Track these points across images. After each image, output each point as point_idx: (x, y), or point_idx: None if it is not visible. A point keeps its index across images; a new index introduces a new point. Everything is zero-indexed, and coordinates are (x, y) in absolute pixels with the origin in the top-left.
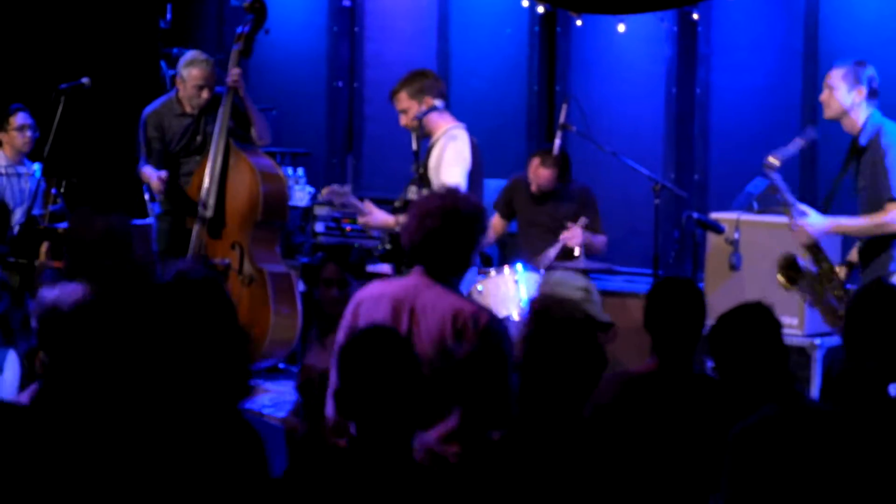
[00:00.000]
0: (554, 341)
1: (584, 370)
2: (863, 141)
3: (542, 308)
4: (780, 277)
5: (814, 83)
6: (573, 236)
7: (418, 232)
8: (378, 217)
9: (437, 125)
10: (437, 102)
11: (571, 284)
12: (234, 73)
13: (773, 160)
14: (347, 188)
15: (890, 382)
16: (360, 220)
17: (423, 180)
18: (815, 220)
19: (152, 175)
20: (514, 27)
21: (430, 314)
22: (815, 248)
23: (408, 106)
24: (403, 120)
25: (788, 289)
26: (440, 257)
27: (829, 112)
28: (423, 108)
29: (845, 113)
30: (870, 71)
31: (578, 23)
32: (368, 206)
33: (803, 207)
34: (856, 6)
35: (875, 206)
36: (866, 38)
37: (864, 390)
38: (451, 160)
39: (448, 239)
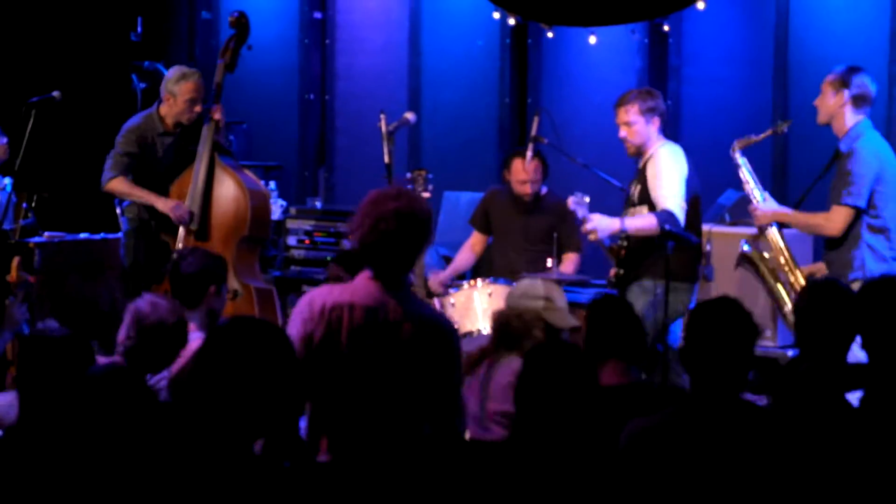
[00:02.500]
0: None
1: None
2: (843, 147)
3: (503, 321)
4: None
5: (784, 94)
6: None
7: (372, 233)
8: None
9: None
10: None
11: (532, 294)
12: (216, 113)
13: (738, 144)
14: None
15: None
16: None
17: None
18: (768, 205)
19: (168, 205)
20: (486, 39)
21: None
22: (772, 236)
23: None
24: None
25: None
26: (392, 260)
27: (819, 117)
28: None
29: (832, 118)
30: (860, 78)
31: (550, 35)
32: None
33: (763, 193)
34: (825, 18)
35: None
36: (836, 51)
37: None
38: None
39: (402, 241)
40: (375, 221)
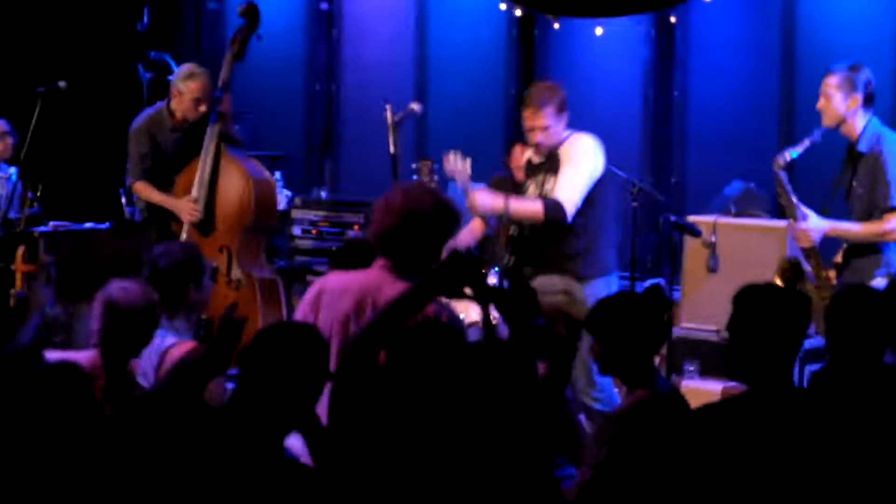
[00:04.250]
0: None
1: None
2: (862, 148)
3: None
4: (777, 280)
5: (790, 85)
6: None
7: (381, 226)
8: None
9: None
10: None
11: (551, 290)
12: (224, 104)
13: (780, 159)
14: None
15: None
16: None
17: None
18: (815, 223)
19: (183, 207)
20: (492, 30)
21: None
22: (814, 254)
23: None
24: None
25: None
26: (401, 254)
27: (827, 120)
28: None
29: (843, 121)
30: (865, 75)
31: (556, 26)
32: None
33: (805, 210)
34: (832, 8)
35: (870, 213)
36: (843, 40)
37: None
38: None
39: (410, 235)
40: (385, 214)
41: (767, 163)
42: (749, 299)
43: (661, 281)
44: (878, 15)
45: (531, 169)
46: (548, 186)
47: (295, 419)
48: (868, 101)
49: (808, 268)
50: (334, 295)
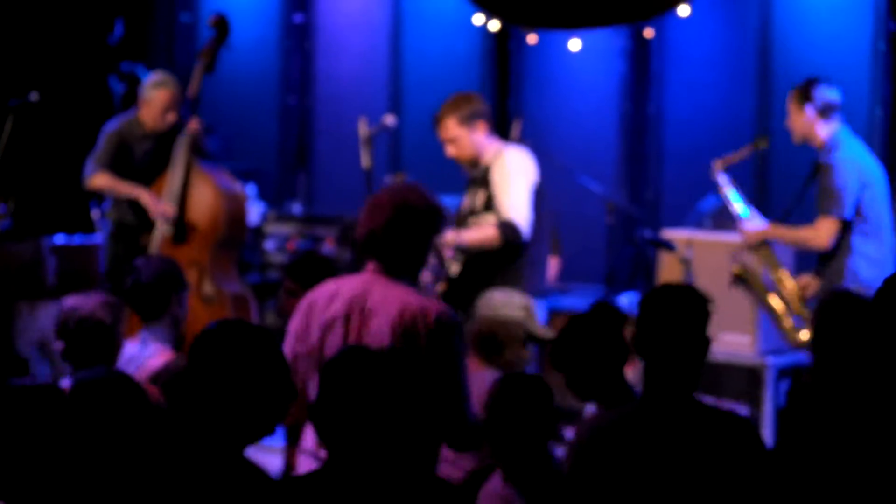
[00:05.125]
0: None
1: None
2: (822, 159)
3: (487, 331)
4: (734, 267)
5: (766, 101)
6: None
7: (372, 224)
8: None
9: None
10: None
11: (514, 304)
12: (192, 126)
13: (718, 163)
14: None
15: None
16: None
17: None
18: (755, 223)
19: (151, 199)
20: (467, 44)
21: (381, 312)
22: (764, 252)
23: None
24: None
25: (737, 280)
26: (391, 253)
27: (794, 137)
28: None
29: (805, 135)
30: (821, 88)
31: (532, 40)
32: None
33: (749, 211)
34: (808, 25)
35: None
36: (818, 57)
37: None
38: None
39: (402, 230)
40: (372, 213)
41: (743, 178)
42: (651, 301)
43: (635, 295)
44: (854, 31)
45: (468, 182)
46: (478, 200)
47: (252, 427)
48: (825, 112)
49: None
50: (324, 301)
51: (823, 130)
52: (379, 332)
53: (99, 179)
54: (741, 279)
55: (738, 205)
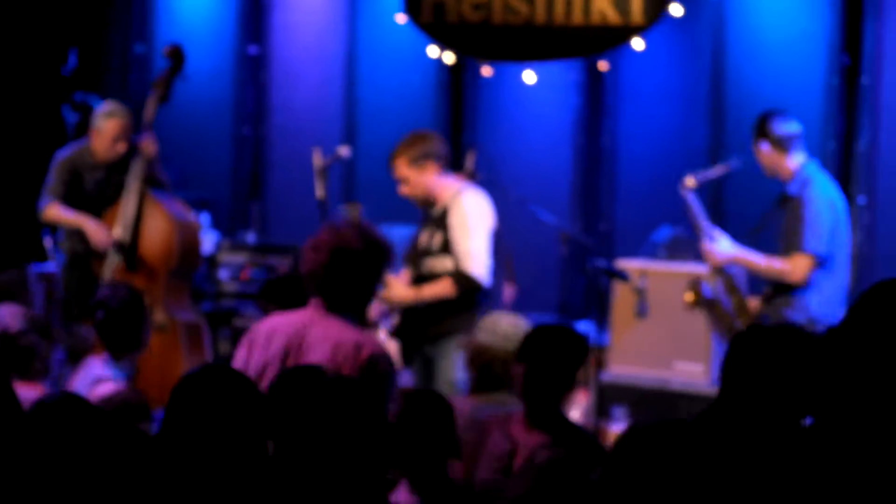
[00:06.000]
0: None
1: None
2: (792, 190)
3: (487, 363)
4: (686, 295)
5: (720, 134)
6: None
7: (312, 265)
8: None
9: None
10: None
11: (513, 337)
12: (147, 143)
13: (689, 181)
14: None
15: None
16: None
17: None
18: (724, 246)
19: (99, 231)
20: (422, 76)
21: (317, 348)
22: (724, 274)
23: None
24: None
25: (692, 307)
26: (331, 293)
27: (765, 172)
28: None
29: (773, 170)
30: (775, 122)
31: (487, 71)
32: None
33: (715, 232)
34: (762, 58)
35: (786, 253)
36: (772, 90)
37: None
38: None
39: (339, 272)
40: (313, 252)
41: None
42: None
43: (590, 324)
44: (807, 64)
45: (425, 219)
46: (435, 242)
47: (232, 471)
48: (786, 144)
49: (709, 290)
50: (266, 337)
51: (791, 162)
52: None
53: (50, 211)
54: (699, 305)
55: (704, 226)
